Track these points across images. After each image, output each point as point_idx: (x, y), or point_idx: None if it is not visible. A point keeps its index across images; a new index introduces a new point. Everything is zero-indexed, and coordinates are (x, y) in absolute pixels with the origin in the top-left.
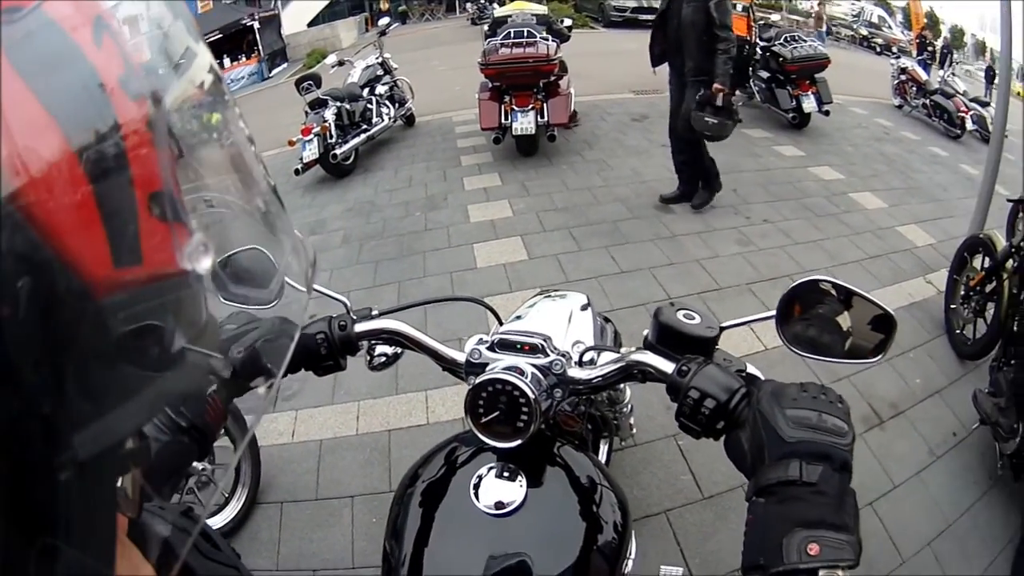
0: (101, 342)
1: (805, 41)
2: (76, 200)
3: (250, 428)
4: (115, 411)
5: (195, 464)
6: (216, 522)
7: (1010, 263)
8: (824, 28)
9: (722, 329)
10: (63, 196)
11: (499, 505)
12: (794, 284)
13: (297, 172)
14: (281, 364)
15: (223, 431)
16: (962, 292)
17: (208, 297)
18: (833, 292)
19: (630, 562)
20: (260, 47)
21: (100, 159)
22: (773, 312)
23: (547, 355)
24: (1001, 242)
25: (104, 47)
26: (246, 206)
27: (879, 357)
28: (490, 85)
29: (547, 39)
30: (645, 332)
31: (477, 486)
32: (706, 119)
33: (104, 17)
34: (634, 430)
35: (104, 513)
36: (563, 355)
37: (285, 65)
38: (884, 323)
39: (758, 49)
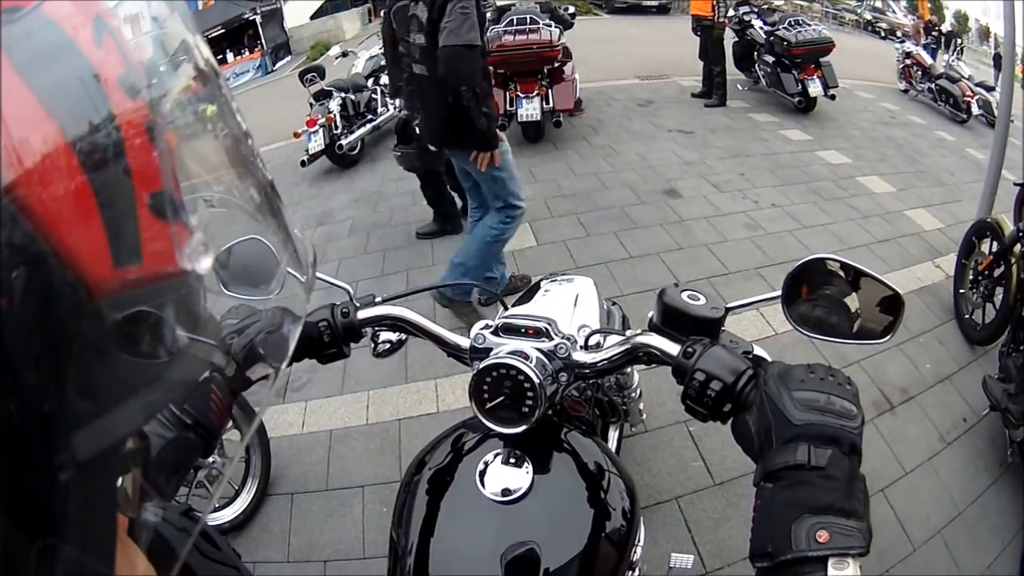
0: (100, 341)
1: (809, 25)
2: (74, 195)
3: (256, 417)
4: (115, 410)
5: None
6: (227, 515)
7: (1018, 247)
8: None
9: (727, 310)
10: (60, 191)
11: (505, 492)
12: (800, 262)
13: (303, 163)
14: (284, 355)
15: (232, 424)
16: (971, 276)
17: (209, 290)
18: (840, 271)
19: (639, 549)
20: (263, 41)
21: (100, 158)
22: (779, 292)
23: (552, 339)
24: (1009, 226)
25: (104, 46)
26: (243, 198)
27: (887, 338)
28: (494, 72)
29: (550, 25)
30: (650, 314)
31: (483, 473)
32: (392, 151)
33: (104, 17)
34: (644, 416)
35: (104, 513)
36: (568, 339)
37: (289, 58)
38: (892, 303)
39: (759, 32)
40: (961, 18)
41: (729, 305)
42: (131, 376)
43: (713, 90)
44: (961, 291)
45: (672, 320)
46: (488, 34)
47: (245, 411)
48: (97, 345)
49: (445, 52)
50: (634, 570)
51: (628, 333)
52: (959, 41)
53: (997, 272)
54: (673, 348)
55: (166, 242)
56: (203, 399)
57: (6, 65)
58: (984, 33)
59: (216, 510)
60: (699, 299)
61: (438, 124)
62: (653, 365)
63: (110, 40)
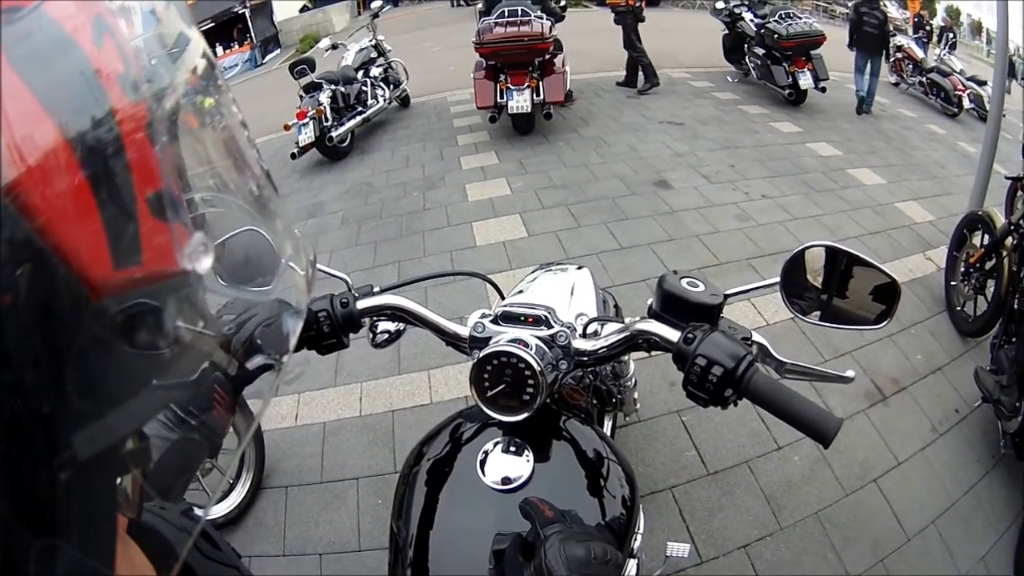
0: (100, 341)
1: (800, 18)
2: (74, 195)
3: (256, 417)
4: (115, 410)
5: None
6: (221, 509)
7: (1009, 240)
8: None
9: (726, 296)
10: (60, 191)
11: (506, 480)
12: (799, 248)
13: (293, 156)
14: (285, 349)
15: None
16: (962, 269)
17: (207, 287)
18: (838, 258)
19: (639, 537)
20: (252, 34)
21: (100, 159)
22: (777, 279)
23: (551, 327)
24: (1001, 219)
25: (104, 46)
26: (242, 192)
27: (883, 324)
28: (485, 64)
29: (541, 17)
30: (649, 301)
31: (483, 462)
32: None
33: (104, 16)
34: (638, 405)
35: (104, 513)
36: (567, 326)
37: (278, 51)
38: (888, 290)
39: (750, 25)
40: (953, 12)
41: (728, 292)
42: (131, 376)
43: (647, 77)
44: (952, 283)
45: (671, 307)
46: (479, 26)
47: (241, 408)
48: (97, 345)
49: (889, 28)
50: (634, 558)
51: (627, 320)
52: (951, 35)
53: (988, 265)
54: (673, 334)
55: (166, 241)
56: (206, 399)
57: (6, 65)
58: (976, 28)
59: None
60: (698, 286)
61: (876, 48)
62: (653, 352)
63: (110, 39)
